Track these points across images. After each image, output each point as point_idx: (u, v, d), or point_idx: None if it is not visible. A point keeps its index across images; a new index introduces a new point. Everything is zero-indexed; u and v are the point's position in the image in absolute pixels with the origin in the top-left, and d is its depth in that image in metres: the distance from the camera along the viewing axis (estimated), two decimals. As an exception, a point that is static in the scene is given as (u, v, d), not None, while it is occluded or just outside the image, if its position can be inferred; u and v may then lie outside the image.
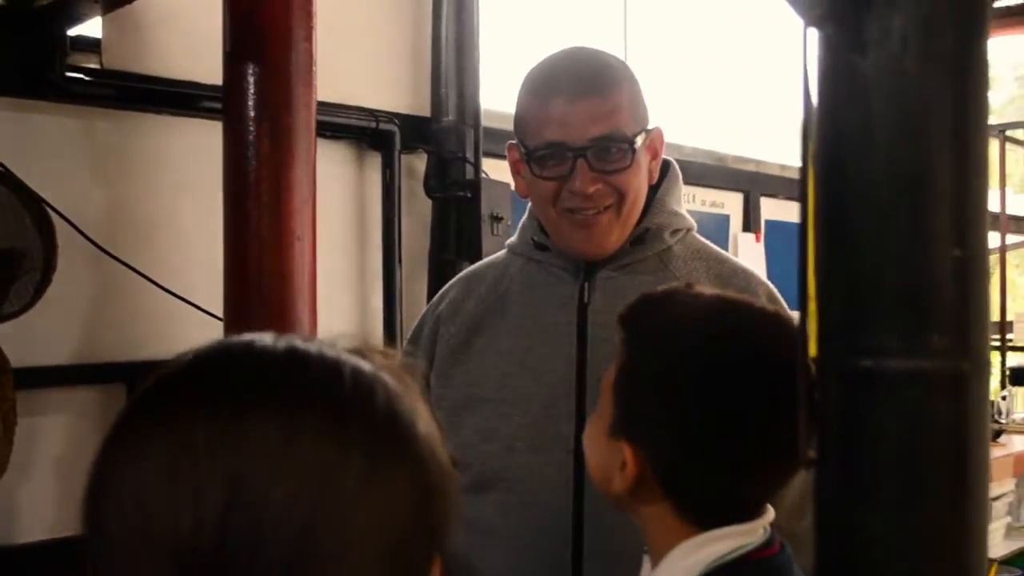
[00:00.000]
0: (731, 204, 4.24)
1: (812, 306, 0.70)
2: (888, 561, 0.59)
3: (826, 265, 0.63)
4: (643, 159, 1.61)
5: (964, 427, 0.59)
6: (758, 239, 4.26)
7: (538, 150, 1.57)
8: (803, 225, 0.68)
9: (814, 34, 0.64)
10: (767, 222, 4.37)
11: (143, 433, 0.70)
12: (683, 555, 1.10)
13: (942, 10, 0.59)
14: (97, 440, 0.71)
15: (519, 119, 1.63)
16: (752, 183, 4.33)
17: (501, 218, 2.89)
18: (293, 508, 0.65)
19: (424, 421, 0.74)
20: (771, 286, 1.67)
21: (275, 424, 0.67)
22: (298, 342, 0.74)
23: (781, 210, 4.47)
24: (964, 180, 0.59)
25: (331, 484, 0.67)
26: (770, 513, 1.16)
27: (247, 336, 0.75)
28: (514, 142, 1.66)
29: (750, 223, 4.26)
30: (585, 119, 1.54)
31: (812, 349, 0.70)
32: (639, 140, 1.58)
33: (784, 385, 1.13)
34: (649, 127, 1.62)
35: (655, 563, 1.15)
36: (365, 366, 0.73)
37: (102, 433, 0.72)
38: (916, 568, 0.59)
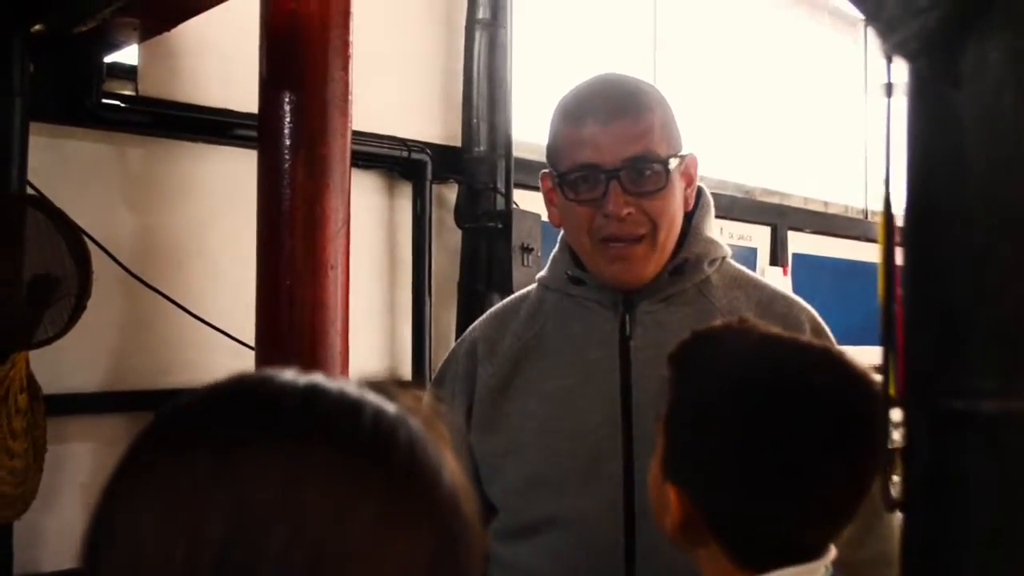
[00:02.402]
0: (759, 237, 4.22)
1: (883, 346, 0.69)
2: (982, 610, 0.57)
3: (916, 305, 0.61)
4: (677, 184, 1.58)
5: (1060, 471, 0.58)
6: (785, 272, 4.24)
7: (570, 173, 1.55)
8: (887, 261, 0.66)
9: (901, 67, 0.62)
10: (794, 255, 4.35)
11: (145, 463, 0.67)
12: None
13: (1039, 43, 0.57)
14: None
15: (551, 146, 1.61)
16: (779, 216, 4.31)
17: (532, 249, 2.88)
18: (297, 548, 0.61)
19: (449, 471, 0.70)
20: (812, 311, 1.64)
21: (282, 458, 0.64)
22: (320, 378, 0.70)
23: (807, 244, 4.45)
24: (1061, 219, 0.57)
25: (340, 527, 0.63)
26: (831, 553, 1.13)
27: (269, 370, 0.71)
28: (547, 171, 1.64)
29: (777, 256, 4.24)
30: (617, 141, 1.52)
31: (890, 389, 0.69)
32: (672, 163, 1.55)
33: (838, 424, 1.13)
34: (683, 153, 1.59)
35: None
36: (389, 408, 0.69)
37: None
38: (1013, 617, 0.57)
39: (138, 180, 2.44)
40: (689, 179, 1.61)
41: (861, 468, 1.09)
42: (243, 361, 2.26)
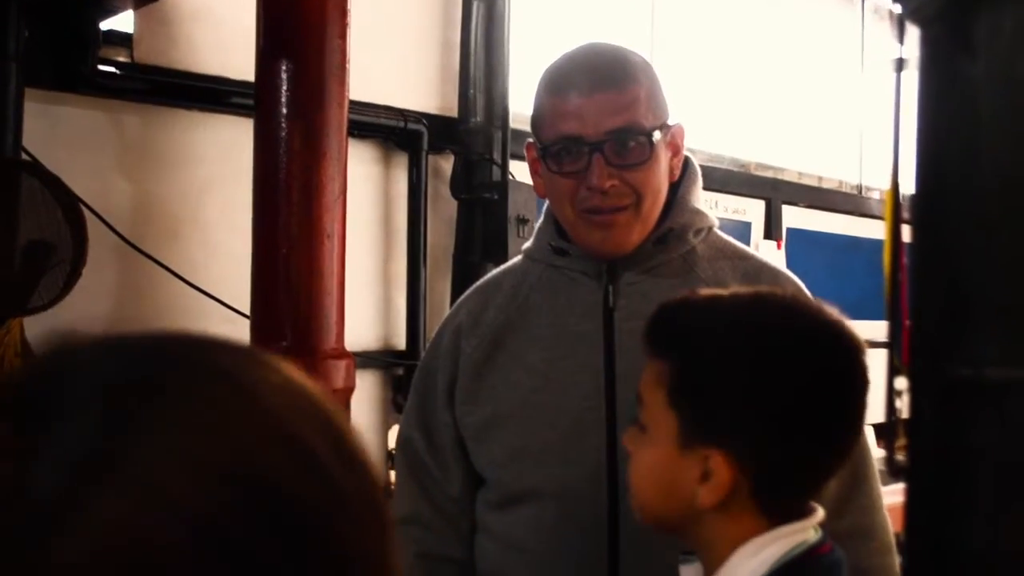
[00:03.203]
0: (753, 211, 4.22)
1: (888, 314, 0.69)
2: (984, 574, 0.58)
3: (924, 273, 0.61)
4: (662, 155, 1.56)
5: (1067, 439, 0.58)
6: (779, 246, 4.24)
7: (553, 145, 1.52)
8: (894, 234, 0.66)
9: (913, 34, 0.62)
10: (788, 230, 4.35)
11: None
12: (748, 555, 1.09)
13: (1055, 12, 0.57)
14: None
15: (536, 115, 1.58)
16: (774, 190, 4.31)
17: (527, 220, 2.88)
18: None
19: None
20: (799, 282, 1.63)
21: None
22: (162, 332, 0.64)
23: (802, 218, 4.45)
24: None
25: None
26: (820, 512, 1.15)
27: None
28: (531, 141, 1.62)
29: (771, 230, 4.25)
30: (601, 112, 1.49)
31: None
32: (657, 134, 1.53)
33: (849, 362, 1.13)
34: (670, 123, 1.58)
35: (713, 569, 1.13)
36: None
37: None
38: (1016, 583, 0.57)
39: (134, 147, 2.43)
40: (675, 149, 1.59)
41: (861, 410, 1.13)
42: (238, 329, 2.26)
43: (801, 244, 4.28)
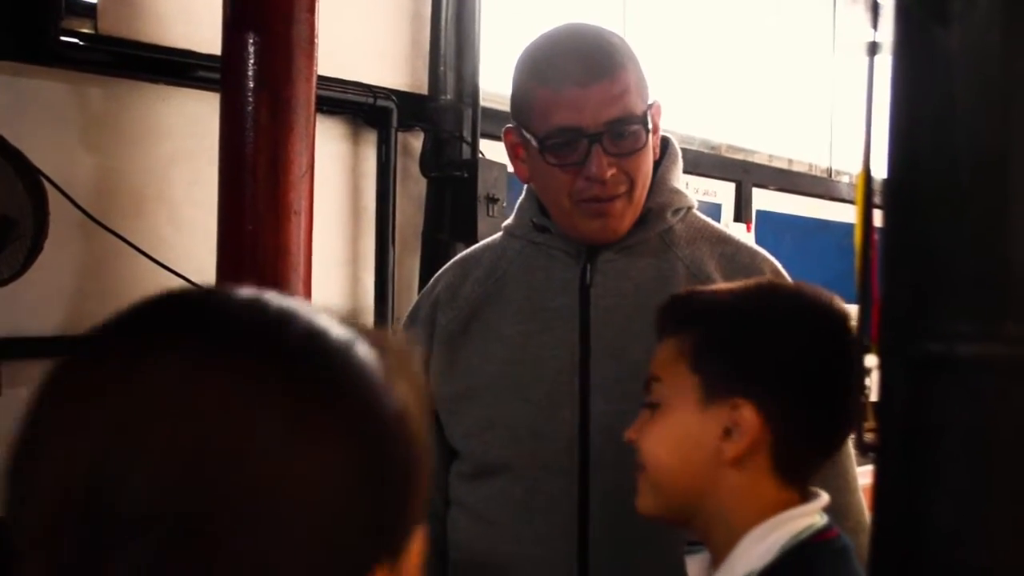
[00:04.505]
0: (723, 193, 4.22)
1: (857, 290, 0.68)
2: (955, 555, 0.57)
3: (895, 247, 0.60)
4: (649, 137, 1.58)
5: (1038, 417, 0.57)
6: (749, 229, 4.25)
7: (550, 137, 1.53)
8: (866, 210, 0.65)
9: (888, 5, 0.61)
10: (758, 212, 4.36)
11: (46, 383, 0.64)
12: (756, 540, 1.11)
13: (1029, -18, 0.56)
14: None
15: (522, 103, 1.58)
16: (744, 173, 4.32)
17: (497, 199, 2.86)
18: (177, 447, 0.57)
19: (397, 399, 0.64)
20: (775, 262, 1.65)
21: (178, 365, 0.59)
22: (270, 294, 0.65)
23: (772, 201, 4.46)
24: (1048, 162, 0.57)
25: (230, 428, 0.57)
26: (824, 497, 1.17)
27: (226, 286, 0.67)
28: (512, 126, 1.62)
29: (741, 213, 4.25)
30: (598, 103, 1.51)
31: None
32: (648, 120, 1.55)
33: (843, 339, 1.19)
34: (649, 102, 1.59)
35: (726, 550, 1.14)
36: (337, 329, 0.64)
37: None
38: (986, 563, 0.57)
39: (97, 121, 2.39)
40: (655, 127, 1.60)
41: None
42: (204, 307, 2.23)
43: (770, 227, 4.29)
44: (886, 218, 0.60)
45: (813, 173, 5.05)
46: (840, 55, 5.11)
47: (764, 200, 4.41)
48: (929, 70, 0.58)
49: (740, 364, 1.17)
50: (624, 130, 1.52)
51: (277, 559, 0.58)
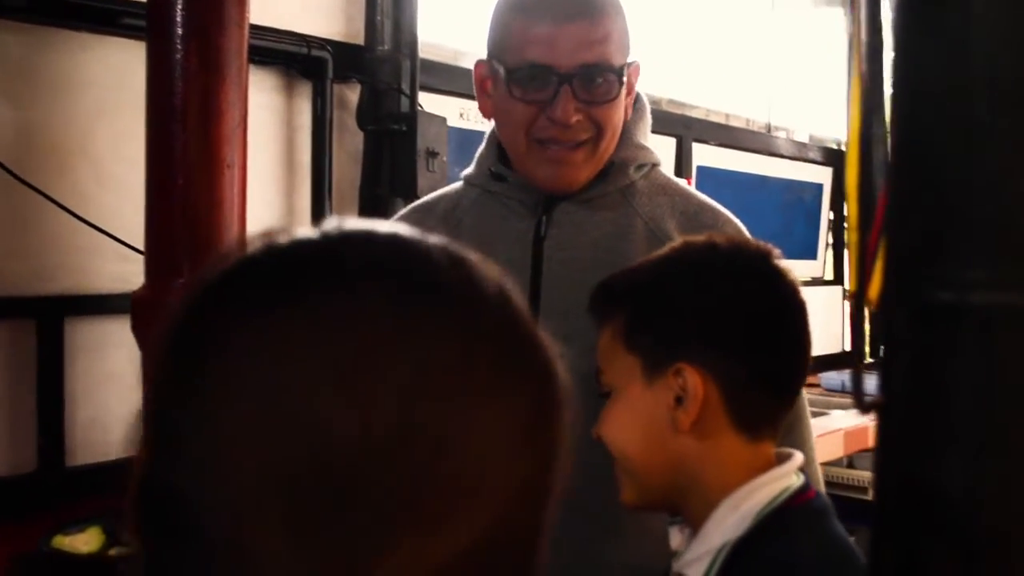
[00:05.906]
0: (664, 149, 4.18)
1: (854, 236, 0.64)
2: (966, 517, 0.53)
3: (903, 188, 0.55)
4: (624, 94, 1.56)
5: (1057, 370, 0.53)
6: (689, 183, 4.22)
7: (519, 70, 1.50)
8: (863, 144, 0.60)
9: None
10: (698, 168, 4.33)
11: (279, 318, 0.61)
12: (731, 508, 1.09)
13: None
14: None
15: (498, 34, 1.56)
16: (685, 128, 4.28)
17: (437, 153, 2.79)
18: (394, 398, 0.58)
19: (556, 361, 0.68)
20: (739, 223, 1.63)
21: (454, 333, 0.62)
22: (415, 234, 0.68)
23: (711, 156, 4.43)
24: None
25: (462, 391, 0.61)
26: (799, 456, 1.15)
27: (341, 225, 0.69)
28: (483, 59, 1.59)
29: (682, 169, 4.22)
30: (574, 43, 1.48)
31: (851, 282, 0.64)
32: (624, 74, 1.53)
33: (774, 286, 1.18)
34: (629, 60, 1.56)
35: (703, 519, 1.11)
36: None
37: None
38: (998, 525, 0.52)
39: (15, 70, 2.26)
40: (630, 88, 1.59)
41: (806, 330, 1.21)
42: (132, 266, 2.14)
43: (711, 182, 4.26)
44: (893, 155, 0.55)
45: (751, 128, 5.04)
46: (779, 8, 5.09)
47: (704, 155, 4.39)
48: (943, -6, 0.53)
49: (669, 331, 1.16)
50: (597, 77, 1.49)
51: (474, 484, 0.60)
